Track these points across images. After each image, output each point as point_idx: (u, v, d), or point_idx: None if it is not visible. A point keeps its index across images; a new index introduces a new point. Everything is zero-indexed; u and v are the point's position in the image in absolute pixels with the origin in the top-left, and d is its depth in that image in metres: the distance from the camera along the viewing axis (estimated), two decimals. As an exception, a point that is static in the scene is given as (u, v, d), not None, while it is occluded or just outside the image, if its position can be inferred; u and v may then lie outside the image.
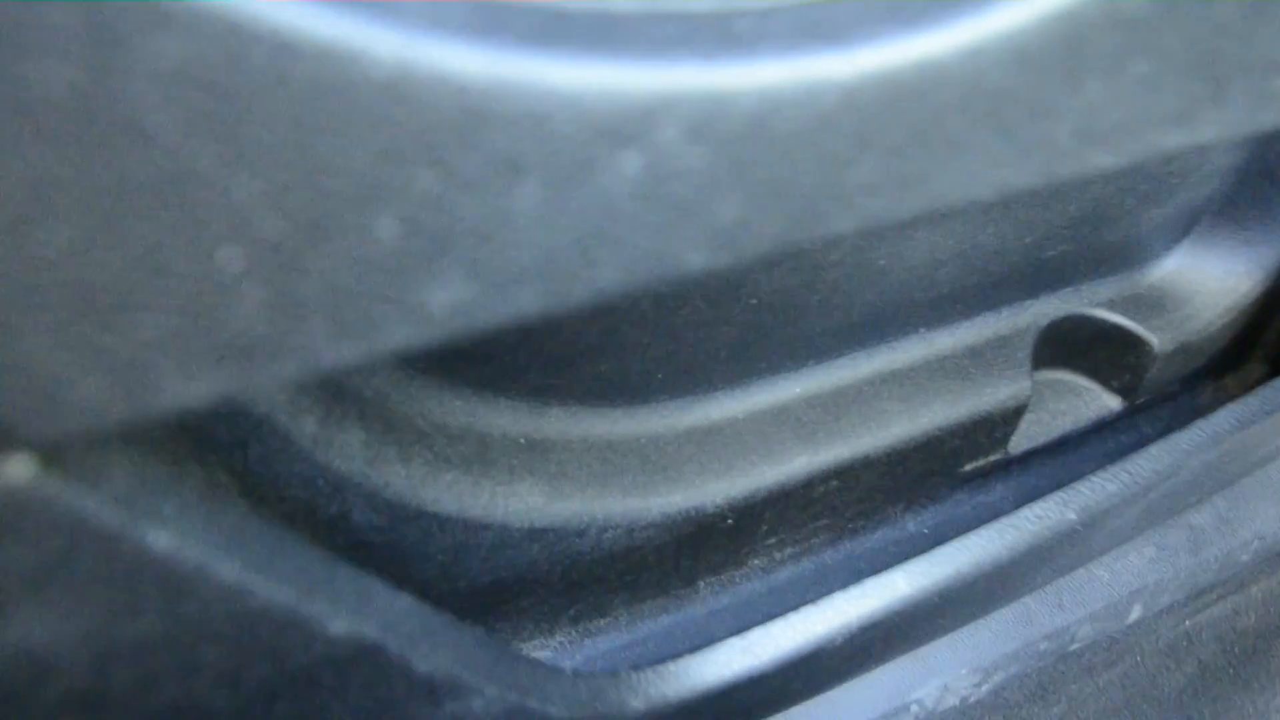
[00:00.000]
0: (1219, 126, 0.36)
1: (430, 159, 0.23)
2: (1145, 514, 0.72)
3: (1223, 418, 0.64)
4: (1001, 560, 0.55)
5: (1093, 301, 0.73)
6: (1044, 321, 0.71)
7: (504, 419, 0.55)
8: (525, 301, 0.26)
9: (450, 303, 0.25)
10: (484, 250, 0.24)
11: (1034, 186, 0.32)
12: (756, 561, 0.65)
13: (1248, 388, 0.86)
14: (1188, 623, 0.98)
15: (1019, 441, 0.73)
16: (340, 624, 0.33)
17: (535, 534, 0.55)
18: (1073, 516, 0.57)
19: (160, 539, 0.27)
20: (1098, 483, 0.58)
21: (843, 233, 0.30)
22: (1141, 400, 0.79)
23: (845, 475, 0.63)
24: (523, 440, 0.55)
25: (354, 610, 0.33)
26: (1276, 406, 0.68)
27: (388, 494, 0.49)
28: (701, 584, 0.64)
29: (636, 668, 0.49)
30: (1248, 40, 0.34)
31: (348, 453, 0.47)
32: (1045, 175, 0.32)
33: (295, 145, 0.21)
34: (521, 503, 0.54)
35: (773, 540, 0.65)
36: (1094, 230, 0.67)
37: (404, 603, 0.37)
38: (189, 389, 0.23)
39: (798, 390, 0.62)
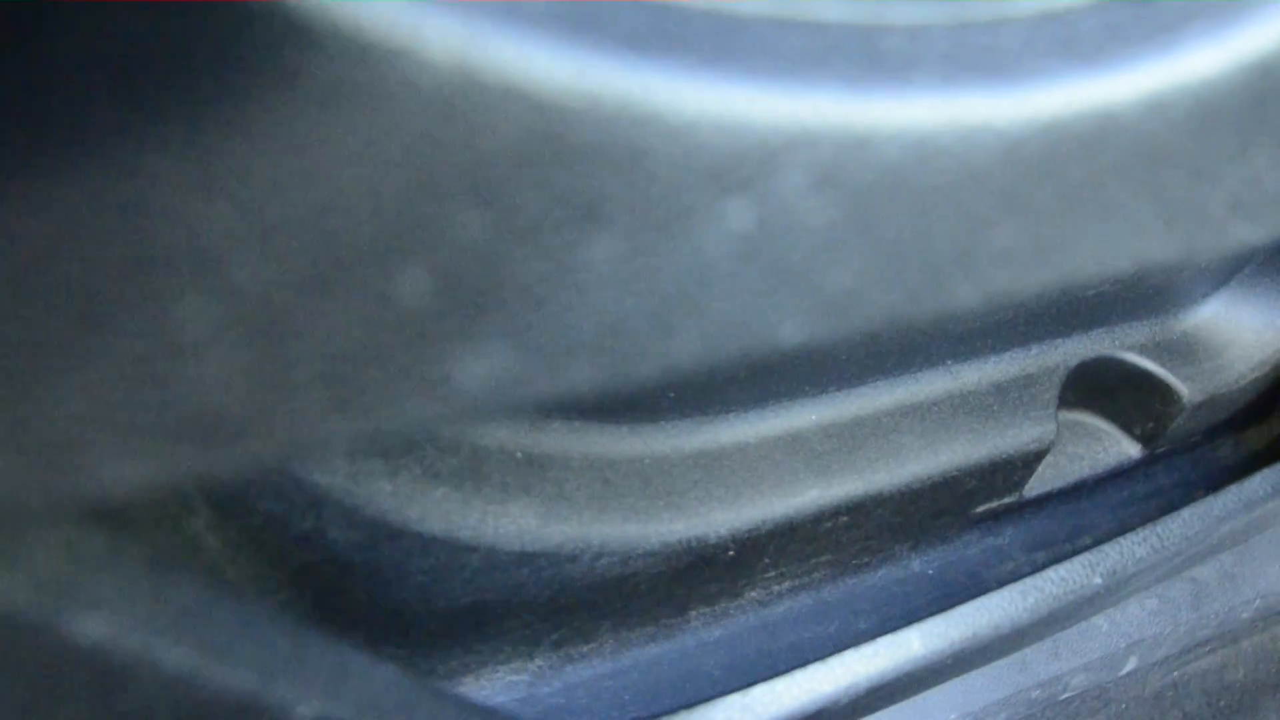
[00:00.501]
0: None
1: (479, 195, 0.18)
2: (1161, 571, 0.69)
3: (1257, 484, 0.60)
4: (1020, 622, 0.51)
5: (1125, 344, 0.69)
6: (1073, 361, 0.67)
7: (502, 431, 0.50)
8: (576, 378, 0.21)
9: (482, 377, 0.20)
10: (535, 316, 0.20)
11: (1170, 260, 0.28)
12: (753, 594, 0.61)
13: (1269, 443, 0.83)
14: (1176, 673, 0.96)
15: (1033, 485, 0.70)
16: (309, 707, 0.28)
17: (525, 558, 0.50)
18: (1099, 581, 0.53)
19: (91, 626, 0.22)
20: (1126, 546, 0.55)
21: (962, 308, 0.25)
22: (1162, 449, 0.75)
23: (856, 511, 0.59)
24: (520, 455, 0.51)
25: (325, 690, 0.29)
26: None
27: (369, 511, 0.44)
28: (693, 614, 0.61)
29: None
30: None
31: (329, 464, 0.42)
32: (1185, 248, 0.28)
33: (290, 167, 0.16)
34: (514, 524, 0.50)
35: (772, 573, 0.61)
36: (1136, 273, 0.63)
37: (384, 675, 0.33)
38: (127, 473, 0.18)
39: (814, 418, 0.58)
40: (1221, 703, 0.97)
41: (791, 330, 0.23)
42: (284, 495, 0.43)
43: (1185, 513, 0.58)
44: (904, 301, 0.24)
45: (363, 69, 0.16)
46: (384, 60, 0.16)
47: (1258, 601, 0.86)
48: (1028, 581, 0.53)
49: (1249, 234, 0.28)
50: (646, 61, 0.18)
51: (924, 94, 0.22)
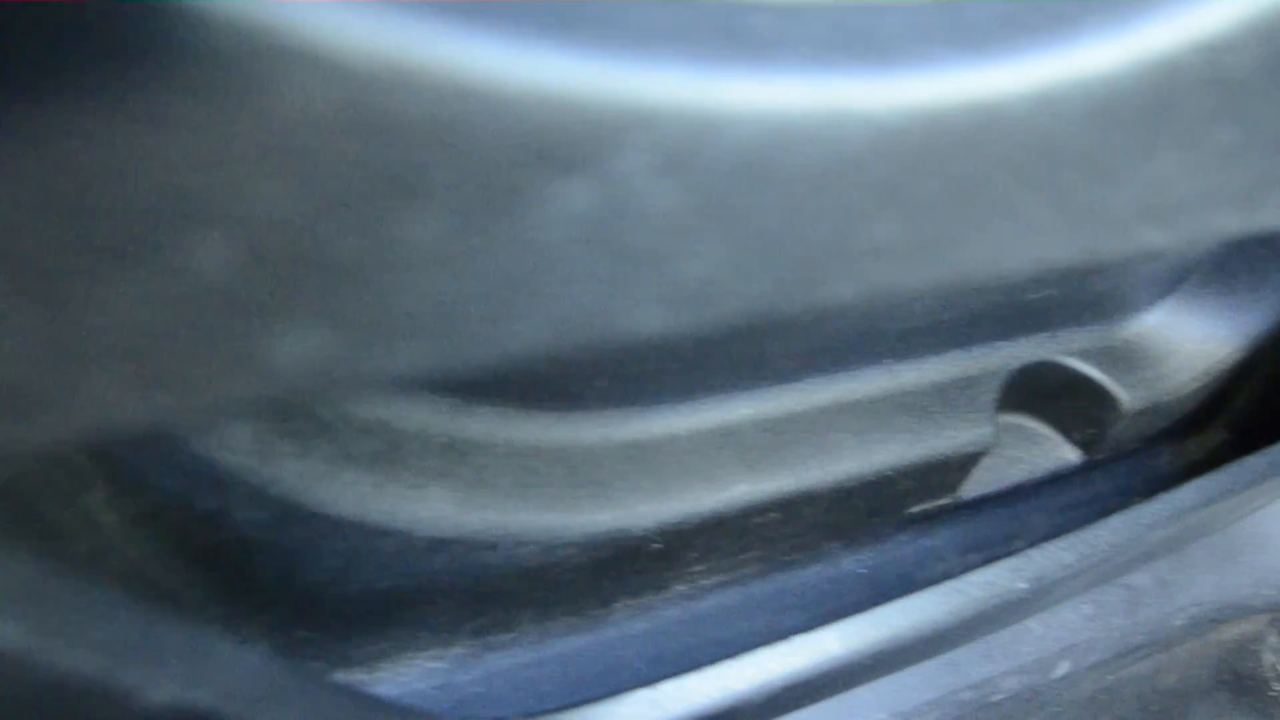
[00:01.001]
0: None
1: (278, 165, 0.16)
2: (1092, 577, 0.69)
3: (1187, 493, 0.60)
4: (943, 625, 0.51)
5: (1067, 349, 0.69)
6: (1014, 364, 0.67)
7: (423, 415, 0.49)
8: (407, 359, 0.20)
9: (299, 356, 0.19)
10: (353, 295, 0.18)
11: (1072, 262, 0.27)
12: (680, 588, 0.61)
13: (1208, 453, 0.83)
14: (1110, 678, 0.96)
15: (970, 486, 0.69)
16: (163, 692, 0.27)
17: (442, 544, 0.49)
18: (1024, 586, 0.53)
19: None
20: (1053, 551, 0.54)
21: (840, 301, 0.24)
22: (1101, 456, 0.75)
23: (787, 507, 0.59)
24: (442, 440, 0.50)
25: (182, 675, 0.28)
26: (1241, 485, 0.64)
27: (276, 491, 0.43)
28: (618, 606, 0.60)
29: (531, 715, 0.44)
30: None
31: (234, 444, 0.41)
32: (1089, 251, 0.27)
33: (75, 129, 0.15)
34: (430, 510, 0.48)
35: (700, 568, 0.60)
36: (1081, 278, 0.62)
37: (250, 661, 0.31)
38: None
39: (748, 413, 0.57)
40: (1154, 708, 0.98)
41: (645, 319, 0.22)
42: (186, 473, 0.41)
43: (1114, 520, 0.58)
44: (771, 294, 0.23)
45: (148, 27, 0.14)
46: (170, 17, 0.15)
47: (1191, 609, 0.86)
48: (951, 584, 0.52)
49: (1153, 238, 0.27)
50: (467, 29, 0.17)
51: (788, 76, 0.20)
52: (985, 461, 0.71)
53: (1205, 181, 0.27)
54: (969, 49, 0.22)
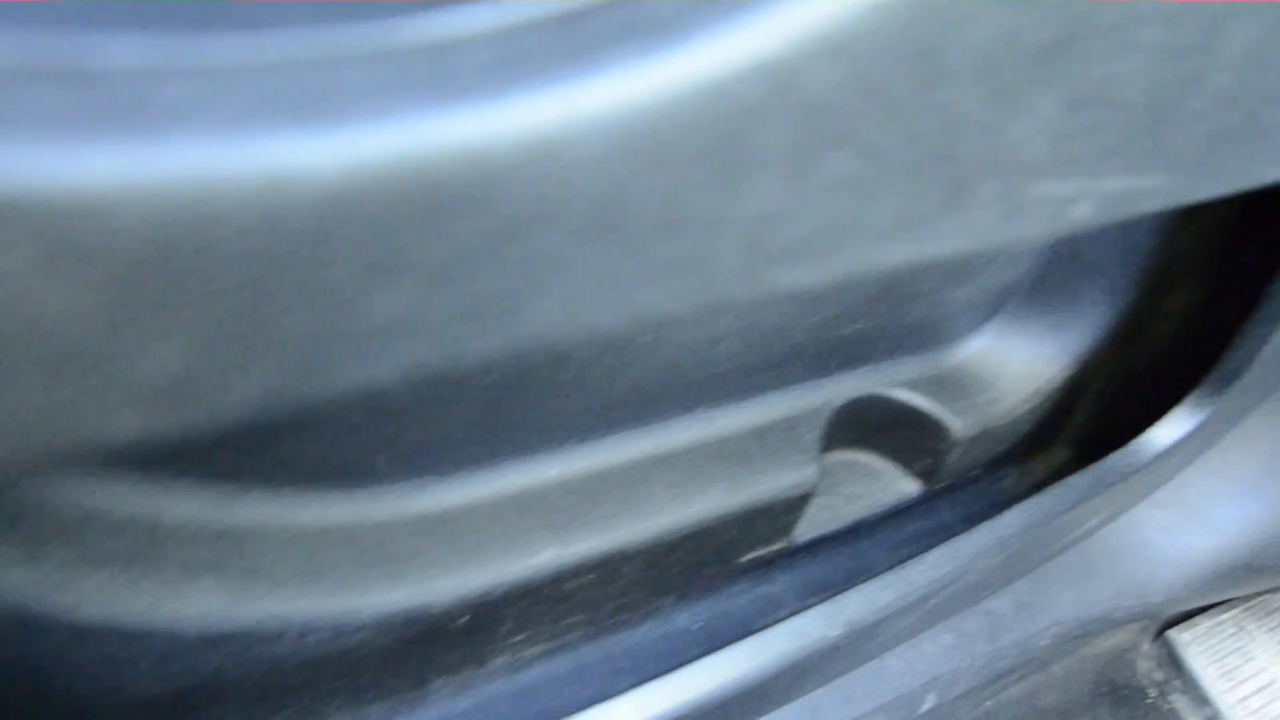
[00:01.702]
0: (960, 238, 0.31)
1: None
2: (939, 607, 0.68)
3: (1009, 520, 0.60)
4: (749, 683, 0.49)
5: (893, 381, 0.68)
6: (839, 401, 0.66)
7: (187, 505, 0.46)
8: None
9: None
10: None
11: (696, 309, 0.25)
12: (501, 660, 0.58)
13: (1053, 471, 0.83)
14: (988, 703, 0.95)
15: (806, 528, 0.68)
16: None
17: (214, 640, 0.46)
18: (837, 633, 0.51)
19: None
20: (868, 593, 0.53)
21: (367, 384, 0.22)
22: (942, 484, 0.75)
23: (602, 568, 0.57)
24: (210, 530, 0.47)
25: None
26: (1066, 504, 0.64)
27: (4, 602, 0.40)
28: (436, 685, 0.57)
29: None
30: (989, 138, 0.29)
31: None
32: (710, 295, 0.25)
33: None
34: (195, 606, 0.45)
35: (519, 638, 0.58)
36: (893, 309, 0.62)
37: None
38: None
39: (552, 474, 0.55)
40: (1035, 729, 0.97)
41: (120, 426, 0.20)
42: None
43: (934, 554, 0.57)
44: (266, 388, 0.21)
45: None
46: None
47: (1054, 628, 0.86)
48: (757, 638, 0.51)
49: (800, 278, 0.26)
50: None
51: (193, 146, 0.18)
52: (821, 501, 0.70)
53: (829, 214, 0.26)
54: (445, 96, 0.20)
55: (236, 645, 0.47)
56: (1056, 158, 0.29)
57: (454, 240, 0.21)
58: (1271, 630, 0.99)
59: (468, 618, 0.54)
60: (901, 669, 0.79)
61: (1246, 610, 1.00)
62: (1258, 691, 0.96)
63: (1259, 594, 1.01)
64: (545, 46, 0.21)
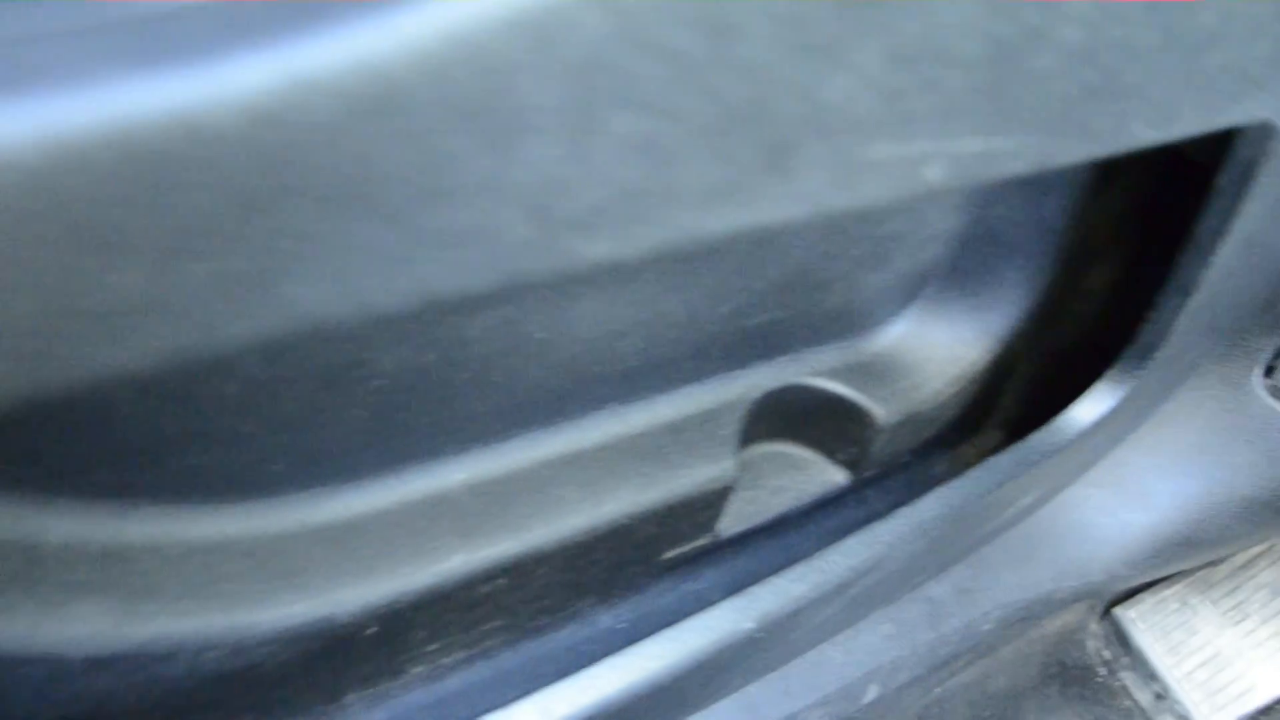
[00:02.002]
0: (791, 205, 0.30)
1: None
2: (867, 596, 0.67)
3: (931, 502, 0.59)
4: (659, 681, 0.48)
5: (813, 370, 0.67)
6: (757, 393, 0.65)
7: (67, 525, 0.45)
8: None
9: None
10: None
11: (493, 286, 0.24)
12: (417, 670, 0.57)
13: (985, 455, 0.82)
14: (937, 690, 0.95)
15: (732, 522, 0.67)
16: None
17: (102, 663, 0.45)
18: (750, 626, 0.51)
19: None
20: (780, 585, 0.52)
21: (117, 370, 0.21)
22: (871, 472, 0.74)
23: (515, 571, 0.56)
24: (94, 549, 0.46)
25: None
26: (994, 483, 0.63)
27: None
28: (350, 698, 0.56)
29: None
30: (805, 96, 0.27)
31: None
32: (503, 271, 0.24)
33: None
34: (79, 628, 0.44)
35: (434, 646, 0.56)
36: (804, 296, 0.61)
37: None
38: None
39: (458, 478, 0.54)
40: (986, 713, 0.97)
41: None
42: None
43: (848, 543, 0.56)
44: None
45: None
46: None
47: (997, 612, 0.86)
48: (665, 636, 0.50)
49: (489, 267, 0.24)
50: None
51: None
52: (746, 494, 0.70)
53: (625, 180, 0.24)
54: (151, 63, 0.19)
55: (126, 666, 0.46)
56: (889, 117, 0.28)
57: (184, 215, 0.20)
58: (1215, 603, 1.00)
59: (376, 628, 0.52)
60: (841, 660, 0.78)
61: (1189, 585, 1.01)
62: (1204, 664, 0.96)
63: (1201, 567, 1.01)
64: (265, 10, 0.20)
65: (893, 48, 0.26)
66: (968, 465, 0.77)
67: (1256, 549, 1.03)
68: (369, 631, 0.52)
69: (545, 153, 0.23)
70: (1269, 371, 0.79)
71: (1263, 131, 0.48)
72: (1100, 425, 0.68)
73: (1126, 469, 0.87)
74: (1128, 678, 0.99)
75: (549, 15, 0.21)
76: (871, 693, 0.82)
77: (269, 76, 0.19)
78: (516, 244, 0.24)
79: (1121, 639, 1.00)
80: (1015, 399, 0.80)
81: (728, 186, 0.26)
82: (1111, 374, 0.66)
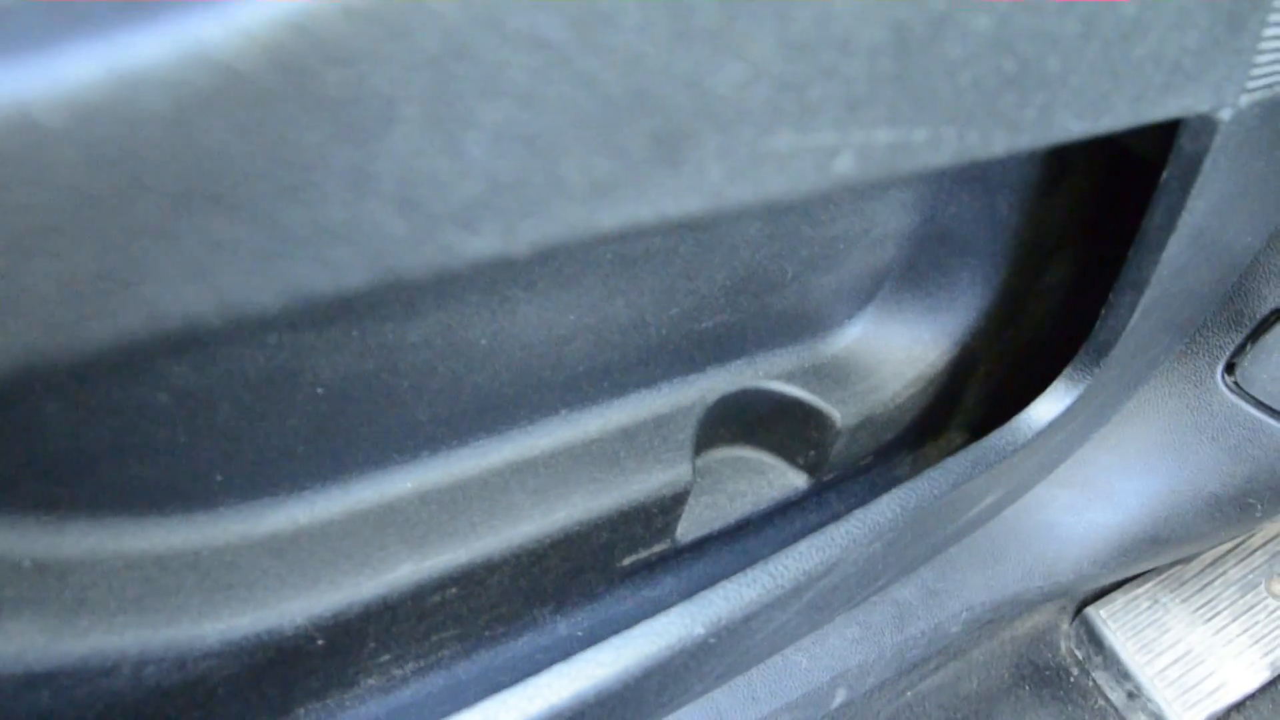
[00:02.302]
0: (689, 198, 0.29)
1: None
2: (825, 600, 0.67)
3: (886, 504, 0.59)
4: (608, 689, 0.48)
5: (769, 374, 0.67)
6: (713, 397, 0.65)
7: (3, 539, 0.44)
8: None
9: None
10: None
11: (374, 284, 0.23)
12: (370, 681, 0.56)
13: (947, 455, 0.82)
14: (909, 694, 0.95)
15: (690, 528, 0.67)
16: None
17: (36, 679, 0.44)
18: (701, 631, 0.50)
19: None
20: (733, 590, 0.52)
21: None
22: (831, 475, 0.74)
23: (466, 580, 0.55)
24: (27, 564, 0.45)
25: None
26: (951, 484, 0.63)
27: None
28: (300, 712, 0.55)
29: None
30: (690, 86, 0.27)
31: None
32: (382, 269, 0.23)
33: None
34: (11, 644, 0.43)
35: (386, 657, 0.56)
36: (754, 299, 0.61)
37: None
38: None
39: (405, 487, 0.53)
40: (959, 715, 0.97)
41: None
42: None
43: (800, 546, 0.56)
44: None
45: None
46: None
47: (965, 614, 0.86)
48: (616, 640, 0.49)
49: (366, 265, 0.24)
50: None
51: None
52: (705, 499, 0.69)
53: (502, 173, 0.24)
54: None
55: (65, 682, 0.45)
56: (789, 107, 0.28)
57: (23, 213, 0.20)
58: (1185, 601, 1.00)
59: (324, 640, 0.52)
60: (807, 665, 0.78)
61: (1160, 583, 1.01)
62: (1175, 662, 0.96)
63: (1171, 566, 1.01)
64: (94, 4, 0.19)
65: (786, 36, 0.26)
66: (931, 465, 0.77)
67: (1225, 546, 1.03)
68: (318, 643, 0.52)
69: (411, 145, 0.22)
70: (1230, 368, 0.79)
71: (1203, 125, 0.48)
72: (1059, 424, 0.68)
73: (1092, 468, 0.87)
74: (1100, 677, 0.99)
75: (400, 3, 0.20)
76: (840, 696, 0.81)
77: (94, 68, 0.19)
78: (390, 240, 0.23)
79: (1093, 638, 1.00)
80: (977, 400, 0.80)
81: (615, 179, 0.25)
82: (1068, 372, 0.66)
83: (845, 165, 0.30)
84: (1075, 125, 0.39)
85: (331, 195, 0.22)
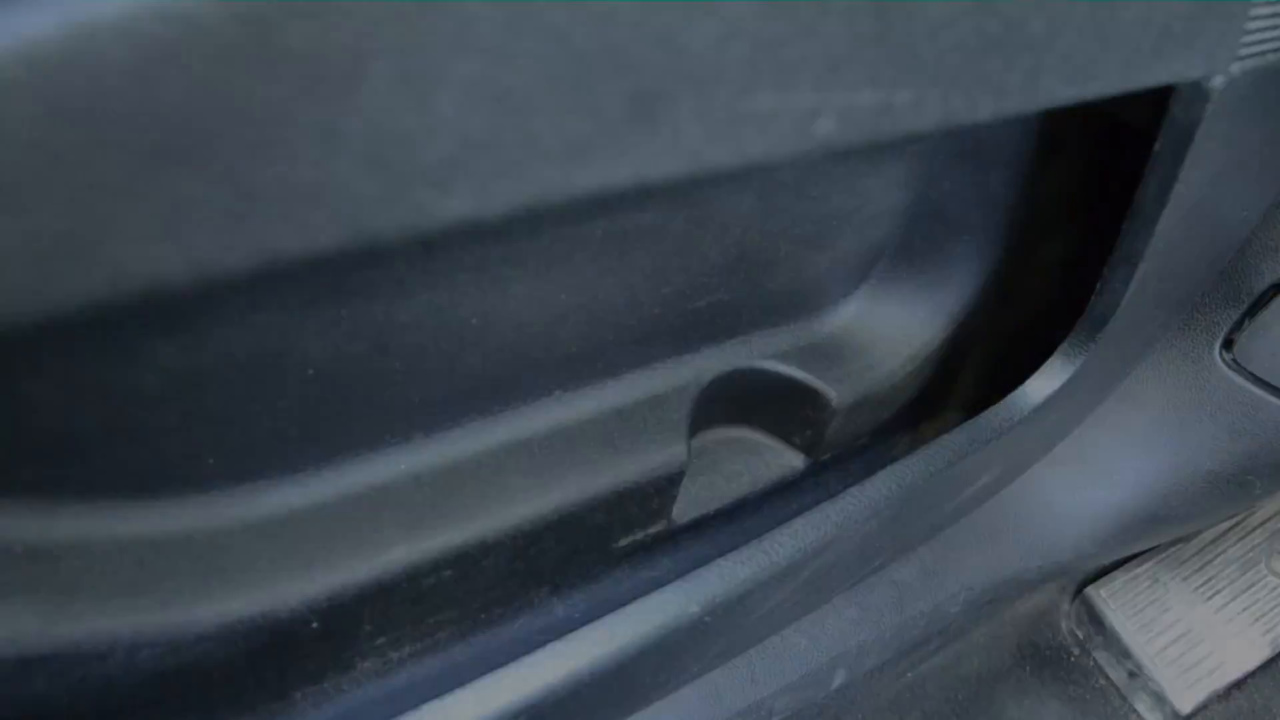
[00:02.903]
0: (668, 160, 0.29)
1: None
2: (822, 579, 0.66)
3: (882, 482, 0.59)
4: (605, 668, 0.48)
5: (764, 353, 0.67)
6: (708, 377, 0.64)
7: (-6, 523, 0.44)
8: None
9: None
10: None
11: (346, 244, 0.23)
12: (367, 664, 0.56)
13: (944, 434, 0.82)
14: (909, 674, 0.95)
15: (687, 509, 0.67)
16: None
17: (31, 664, 0.44)
18: (696, 610, 0.50)
19: None
20: (727, 568, 0.52)
21: None
22: (828, 455, 0.74)
23: (462, 562, 0.55)
24: (19, 549, 0.45)
25: None
26: (946, 461, 0.63)
27: None
28: (298, 695, 0.55)
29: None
30: (664, 45, 0.27)
31: None
32: (355, 230, 0.23)
33: None
34: (5, 628, 0.43)
35: (382, 640, 0.56)
36: (748, 277, 0.61)
37: None
38: None
39: (399, 469, 0.53)
40: (960, 696, 0.97)
41: None
42: None
43: (795, 524, 0.56)
44: None
45: None
46: None
47: (964, 594, 0.86)
48: (612, 618, 0.49)
49: (340, 226, 0.23)
50: None
51: None
52: (702, 480, 0.69)
53: (476, 131, 0.23)
54: None
55: (59, 666, 0.45)
56: (768, 66, 0.27)
57: None
58: (1185, 579, 1.00)
59: (319, 623, 0.52)
60: (806, 645, 0.78)
61: (1160, 562, 1.01)
62: (1175, 641, 0.96)
63: (1171, 544, 1.01)
64: None
65: None
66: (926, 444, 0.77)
67: (1225, 524, 1.03)
68: (313, 626, 0.51)
69: (382, 102, 0.22)
70: (1228, 344, 0.79)
71: (1194, 93, 0.48)
72: (1055, 400, 0.68)
73: (1090, 447, 0.87)
74: (1101, 657, 0.99)
75: None
76: (839, 678, 0.81)
77: (50, 20, 0.18)
78: (362, 200, 0.23)
79: (1094, 618, 1.00)
80: (974, 378, 0.80)
81: (590, 139, 0.25)
82: (1063, 348, 0.66)
83: (827, 128, 0.29)
84: (1063, 90, 0.38)
85: (300, 153, 0.22)
